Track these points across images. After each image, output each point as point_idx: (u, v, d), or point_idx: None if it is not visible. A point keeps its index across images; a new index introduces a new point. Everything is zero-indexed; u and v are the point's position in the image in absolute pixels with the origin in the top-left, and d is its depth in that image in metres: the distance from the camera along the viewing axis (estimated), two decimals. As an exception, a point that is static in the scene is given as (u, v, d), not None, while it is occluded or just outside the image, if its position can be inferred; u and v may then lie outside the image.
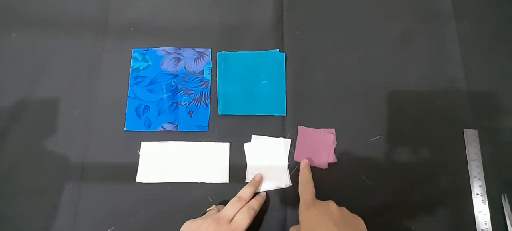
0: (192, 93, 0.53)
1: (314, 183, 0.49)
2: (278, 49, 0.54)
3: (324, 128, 0.51)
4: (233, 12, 0.57)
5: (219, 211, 0.43)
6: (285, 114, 0.51)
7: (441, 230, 0.47)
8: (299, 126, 0.51)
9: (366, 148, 0.50)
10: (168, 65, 0.54)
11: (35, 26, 0.55)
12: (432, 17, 0.57)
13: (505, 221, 0.47)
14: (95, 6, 0.57)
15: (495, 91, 0.53)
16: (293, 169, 0.49)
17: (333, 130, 0.51)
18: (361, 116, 0.52)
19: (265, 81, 0.52)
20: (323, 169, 0.49)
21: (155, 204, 0.48)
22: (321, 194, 0.49)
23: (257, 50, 0.54)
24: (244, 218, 0.41)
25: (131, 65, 0.54)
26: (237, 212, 0.42)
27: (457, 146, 0.51)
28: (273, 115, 0.52)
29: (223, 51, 0.54)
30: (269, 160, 0.49)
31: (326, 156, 0.49)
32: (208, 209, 0.45)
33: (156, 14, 0.56)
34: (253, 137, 0.50)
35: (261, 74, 0.53)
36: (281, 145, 0.50)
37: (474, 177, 0.49)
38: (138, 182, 0.49)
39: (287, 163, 0.49)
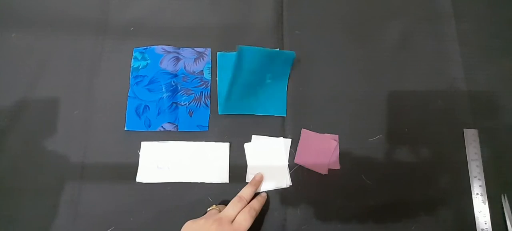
0: (192, 93, 0.53)
1: (314, 182, 0.49)
2: (294, 52, 0.53)
3: (324, 127, 0.51)
4: (233, 12, 0.57)
5: (219, 211, 0.43)
6: (286, 115, 0.51)
7: (441, 230, 0.47)
8: (302, 129, 0.51)
9: (366, 148, 0.50)
10: (167, 64, 0.54)
11: (35, 26, 0.55)
12: (432, 17, 0.57)
13: (505, 221, 0.47)
14: (95, 6, 0.56)
15: (495, 91, 0.53)
16: (293, 168, 0.49)
17: (336, 136, 0.50)
18: (361, 116, 0.52)
19: (269, 81, 0.52)
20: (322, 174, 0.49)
21: (155, 204, 0.48)
22: (321, 193, 0.49)
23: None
24: (246, 218, 0.41)
25: (132, 65, 0.54)
26: (239, 212, 0.42)
27: (457, 146, 0.51)
28: (273, 115, 0.52)
29: (223, 51, 0.54)
30: (269, 160, 0.49)
31: (326, 162, 0.49)
32: (208, 209, 0.45)
33: (156, 14, 0.56)
34: (253, 137, 0.50)
35: (266, 73, 0.52)
36: (281, 144, 0.50)
37: (474, 177, 0.49)
38: (138, 182, 0.49)
39: (287, 162, 0.49)
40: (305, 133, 0.50)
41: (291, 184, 0.49)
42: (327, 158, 0.49)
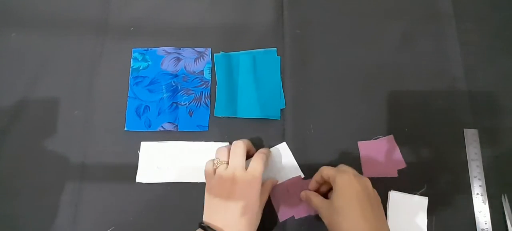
0: (192, 93, 0.53)
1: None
2: (276, 49, 0.54)
3: (324, 127, 0.51)
4: (233, 12, 0.57)
5: (216, 163, 0.43)
6: (279, 119, 0.51)
7: (441, 230, 0.47)
8: (358, 142, 0.50)
9: (366, 148, 0.50)
10: (168, 65, 0.54)
11: (35, 26, 0.55)
12: (432, 17, 0.57)
13: (505, 221, 0.47)
14: (95, 6, 0.56)
15: (495, 91, 0.53)
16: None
17: (391, 137, 0.50)
18: (361, 116, 0.52)
19: (259, 83, 0.52)
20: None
21: (155, 204, 0.48)
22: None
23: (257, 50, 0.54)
24: (259, 163, 0.42)
25: (131, 65, 0.54)
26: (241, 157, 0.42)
27: (457, 146, 0.51)
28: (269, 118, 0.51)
29: (221, 52, 0.54)
30: (276, 169, 0.49)
31: (395, 164, 0.49)
32: (216, 169, 0.43)
33: (156, 14, 0.56)
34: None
35: (254, 76, 0.53)
36: (284, 150, 0.49)
37: (474, 177, 0.49)
38: (138, 182, 0.49)
39: (295, 161, 0.49)
40: (362, 145, 0.50)
41: (303, 176, 0.48)
42: (393, 159, 0.49)
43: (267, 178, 0.47)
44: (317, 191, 0.46)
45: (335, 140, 0.50)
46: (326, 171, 0.43)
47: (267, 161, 0.43)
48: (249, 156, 0.45)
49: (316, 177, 0.45)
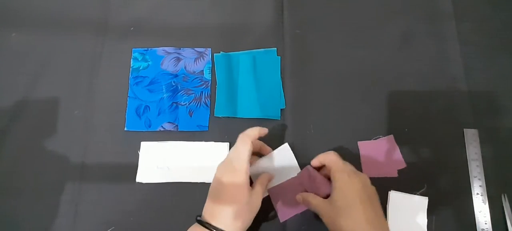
0: (192, 93, 0.53)
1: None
2: (276, 49, 0.54)
3: (324, 127, 0.51)
4: (233, 12, 0.57)
5: None
6: (279, 119, 0.51)
7: (441, 230, 0.47)
8: (358, 142, 0.50)
9: (366, 148, 0.50)
10: (168, 65, 0.54)
11: (35, 26, 0.56)
12: (432, 17, 0.57)
13: (505, 221, 0.47)
14: (95, 6, 0.57)
15: (495, 91, 0.53)
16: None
17: (391, 137, 0.50)
18: (361, 116, 0.52)
19: (259, 83, 0.52)
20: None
21: (155, 204, 0.48)
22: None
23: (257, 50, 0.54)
24: (237, 144, 0.42)
25: (131, 65, 0.54)
26: None
27: (457, 146, 0.51)
28: (269, 118, 0.51)
29: (221, 52, 0.54)
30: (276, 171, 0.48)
31: (395, 164, 0.49)
32: None
33: (156, 14, 0.56)
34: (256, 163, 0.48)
35: (254, 76, 0.53)
36: (286, 151, 0.48)
37: (474, 177, 0.49)
38: (138, 182, 0.49)
39: (296, 163, 0.48)
40: (362, 144, 0.50)
41: (300, 170, 0.47)
42: (393, 159, 0.49)
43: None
44: (318, 169, 0.45)
45: (335, 140, 0.50)
46: (330, 157, 0.43)
47: (252, 150, 0.42)
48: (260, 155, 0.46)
49: (321, 157, 0.44)
